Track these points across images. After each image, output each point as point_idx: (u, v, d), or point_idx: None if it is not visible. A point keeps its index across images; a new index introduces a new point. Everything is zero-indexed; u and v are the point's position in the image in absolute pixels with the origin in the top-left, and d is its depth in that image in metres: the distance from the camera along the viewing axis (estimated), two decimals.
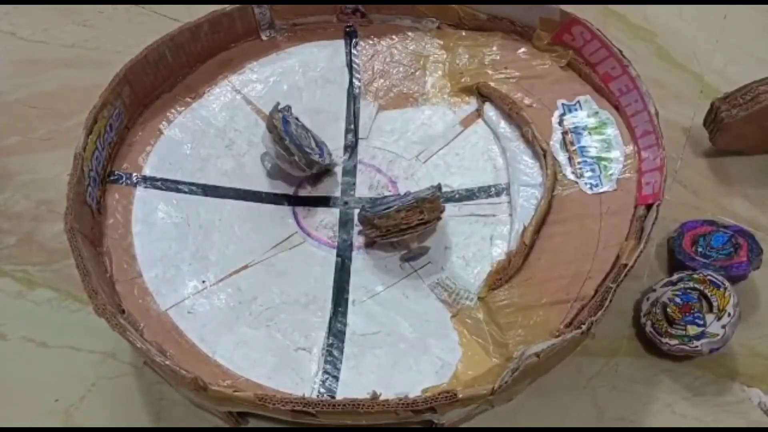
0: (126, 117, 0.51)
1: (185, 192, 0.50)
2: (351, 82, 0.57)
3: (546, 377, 0.40)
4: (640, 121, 0.49)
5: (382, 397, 0.37)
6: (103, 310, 0.38)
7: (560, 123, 0.51)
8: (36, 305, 0.47)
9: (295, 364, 0.42)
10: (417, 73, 0.57)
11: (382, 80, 0.57)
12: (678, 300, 0.43)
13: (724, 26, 0.65)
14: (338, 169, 0.52)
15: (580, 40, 0.53)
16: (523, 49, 0.56)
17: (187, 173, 0.51)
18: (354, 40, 0.59)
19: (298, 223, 0.49)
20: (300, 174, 0.49)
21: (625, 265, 0.41)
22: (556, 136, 0.51)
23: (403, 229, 0.44)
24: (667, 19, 0.66)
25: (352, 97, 0.56)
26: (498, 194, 0.50)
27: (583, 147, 0.50)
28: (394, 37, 0.59)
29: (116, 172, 0.50)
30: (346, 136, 0.54)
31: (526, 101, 0.52)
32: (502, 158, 0.52)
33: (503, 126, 0.53)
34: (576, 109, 0.52)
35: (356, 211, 0.50)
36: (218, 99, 0.55)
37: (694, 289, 0.44)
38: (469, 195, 0.50)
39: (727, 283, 0.43)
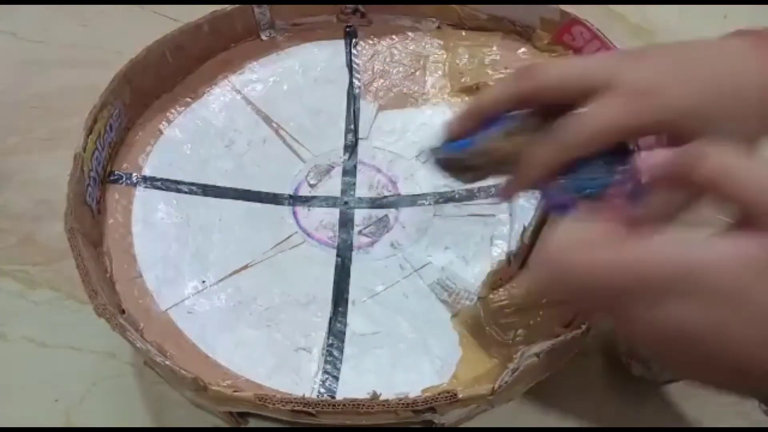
0: (126, 117, 0.51)
1: (185, 192, 0.50)
2: (351, 82, 0.57)
3: (546, 377, 0.40)
4: None
5: (382, 397, 0.37)
6: (103, 310, 0.38)
7: None
8: (36, 305, 0.47)
9: (295, 364, 0.42)
10: (417, 73, 0.57)
11: (382, 80, 0.57)
12: None
13: (724, 26, 0.65)
14: (338, 169, 0.52)
15: (580, 40, 0.53)
16: (523, 49, 0.56)
17: (187, 173, 0.51)
18: (354, 40, 0.59)
19: (298, 223, 0.49)
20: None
21: None
22: None
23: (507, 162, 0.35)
24: (667, 19, 0.66)
25: (352, 97, 0.56)
26: (498, 194, 0.50)
27: None
28: (394, 37, 0.59)
29: (116, 172, 0.50)
30: (346, 136, 0.54)
31: None
32: None
33: None
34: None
35: (356, 211, 0.50)
36: (218, 99, 0.55)
37: None
38: (469, 195, 0.50)
39: None
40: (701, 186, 0.25)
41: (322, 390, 0.40)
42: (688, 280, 0.23)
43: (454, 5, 0.57)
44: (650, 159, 0.28)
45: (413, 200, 0.50)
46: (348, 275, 0.46)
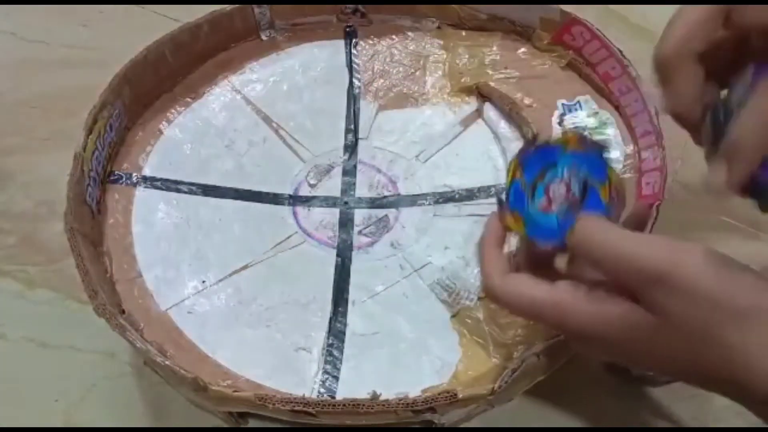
0: (126, 117, 0.51)
1: (185, 192, 0.50)
2: (351, 82, 0.57)
3: (546, 377, 0.40)
4: (640, 121, 0.49)
5: (382, 397, 0.37)
6: (103, 310, 0.38)
7: (560, 123, 0.51)
8: (36, 305, 0.47)
9: (295, 364, 0.42)
10: (417, 73, 0.57)
11: (382, 80, 0.57)
12: None
13: None
14: (338, 169, 0.52)
15: (580, 40, 0.53)
16: (523, 49, 0.56)
17: (187, 173, 0.51)
18: (354, 40, 0.59)
19: (298, 223, 0.49)
20: None
21: None
22: (557, 136, 0.51)
23: None
24: (667, 19, 0.66)
25: (352, 97, 0.56)
26: (498, 194, 0.50)
27: None
28: (394, 37, 0.59)
29: (116, 172, 0.50)
30: (346, 136, 0.54)
31: (526, 101, 0.52)
32: (502, 158, 0.52)
33: (503, 126, 0.53)
34: (576, 109, 0.52)
35: (356, 211, 0.50)
36: (218, 99, 0.55)
37: None
38: (469, 195, 0.50)
39: None
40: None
41: (322, 390, 0.40)
42: (593, 333, 0.30)
43: (454, 5, 0.57)
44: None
45: (413, 200, 0.50)
46: (348, 275, 0.46)
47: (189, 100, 0.55)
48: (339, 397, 0.40)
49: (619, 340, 0.29)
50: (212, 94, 0.55)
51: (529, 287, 0.31)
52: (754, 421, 0.30)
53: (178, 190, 0.50)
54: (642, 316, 0.28)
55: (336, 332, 0.43)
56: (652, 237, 0.29)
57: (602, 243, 0.29)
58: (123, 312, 0.42)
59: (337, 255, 0.47)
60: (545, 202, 0.34)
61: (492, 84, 0.54)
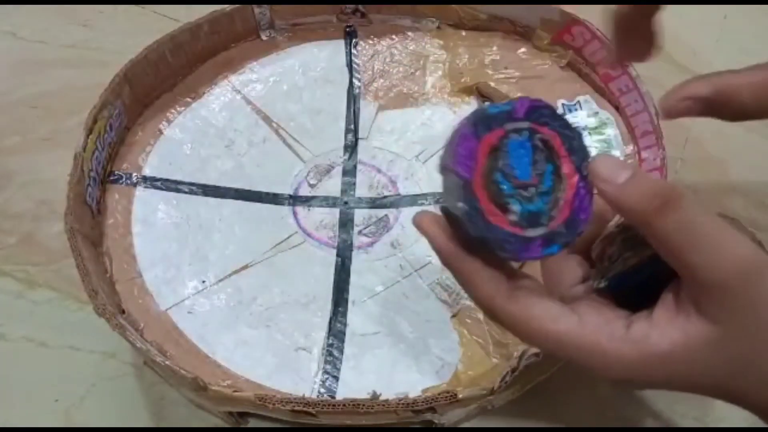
0: (126, 117, 0.51)
1: (185, 192, 0.50)
2: (351, 82, 0.57)
3: (546, 377, 0.40)
4: (640, 121, 0.49)
5: (382, 397, 0.37)
6: (103, 310, 0.38)
7: None
8: (36, 305, 0.47)
9: (295, 364, 0.42)
10: (417, 73, 0.57)
11: (382, 80, 0.57)
12: None
13: (724, 26, 0.65)
14: (338, 169, 0.52)
15: (580, 40, 0.53)
16: (523, 49, 0.56)
17: (187, 173, 0.51)
18: (354, 40, 0.59)
19: (298, 223, 0.49)
20: None
21: None
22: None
23: None
24: (667, 19, 0.66)
25: (352, 97, 0.56)
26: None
27: None
28: (394, 37, 0.59)
29: (116, 172, 0.50)
30: (346, 136, 0.54)
31: None
32: None
33: None
34: (576, 109, 0.52)
35: (356, 211, 0.50)
36: (218, 99, 0.55)
37: None
38: None
39: None
40: (655, 236, 0.24)
41: (322, 390, 0.40)
42: (640, 375, 0.26)
43: (454, 5, 0.57)
44: (614, 175, 0.24)
45: (413, 200, 0.50)
46: (348, 275, 0.46)
47: (189, 100, 0.55)
48: (339, 397, 0.40)
49: (671, 372, 0.26)
50: (212, 94, 0.55)
51: (552, 319, 0.25)
52: (755, 421, 0.30)
53: (178, 190, 0.50)
54: (706, 331, 0.24)
55: (336, 332, 0.43)
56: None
57: (703, 224, 0.23)
58: (123, 312, 0.42)
59: (337, 255, 0.47)
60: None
61: (492, 84, 0.54)
